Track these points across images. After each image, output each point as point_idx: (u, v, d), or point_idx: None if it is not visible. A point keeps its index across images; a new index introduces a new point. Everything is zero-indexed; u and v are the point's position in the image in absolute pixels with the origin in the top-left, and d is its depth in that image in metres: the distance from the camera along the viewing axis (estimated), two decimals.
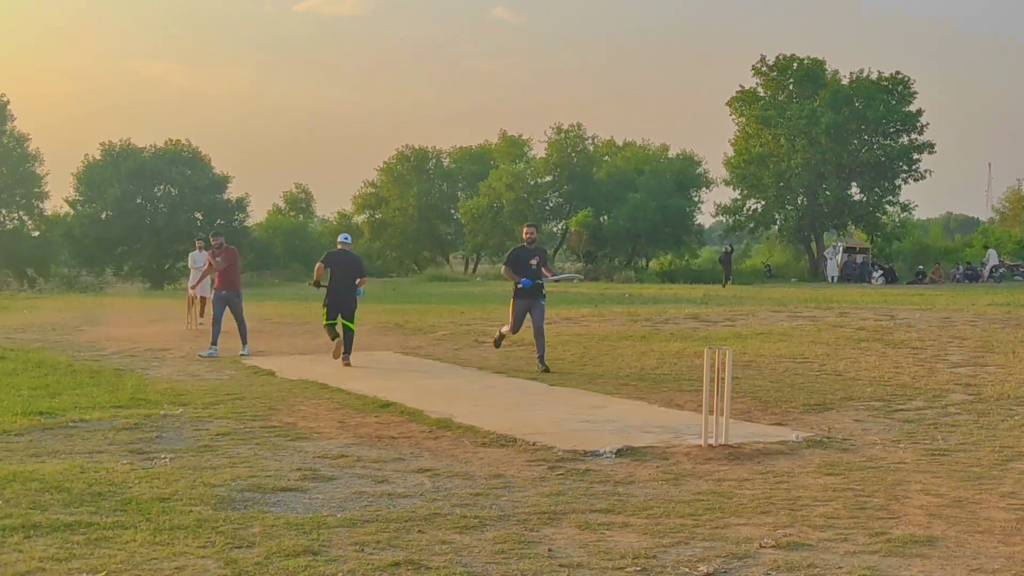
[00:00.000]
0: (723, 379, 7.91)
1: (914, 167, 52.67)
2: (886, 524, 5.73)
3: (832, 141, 50.75)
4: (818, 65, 52.94)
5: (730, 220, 55.34)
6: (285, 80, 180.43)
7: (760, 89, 54.09)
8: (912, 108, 52.09)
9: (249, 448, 8.01)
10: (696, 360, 12.87)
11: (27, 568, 4.89)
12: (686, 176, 58.86)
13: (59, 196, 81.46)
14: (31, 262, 56.51)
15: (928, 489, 6.59)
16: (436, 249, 69.78)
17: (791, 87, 53.67)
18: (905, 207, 54.58)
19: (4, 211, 57.24)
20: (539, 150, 63.30)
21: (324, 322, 14.24)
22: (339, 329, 14.02)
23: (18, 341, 17.35)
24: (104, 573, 4.84)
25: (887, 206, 54.09)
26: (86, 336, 18.54)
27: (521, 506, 6.16)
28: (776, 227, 55.97)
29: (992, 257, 46.25)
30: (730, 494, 6.48)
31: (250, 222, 62.39)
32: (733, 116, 54.83)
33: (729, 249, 41.68)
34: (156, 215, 58.38)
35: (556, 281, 14.30)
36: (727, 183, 55.51)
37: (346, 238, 14.90)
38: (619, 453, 7.73)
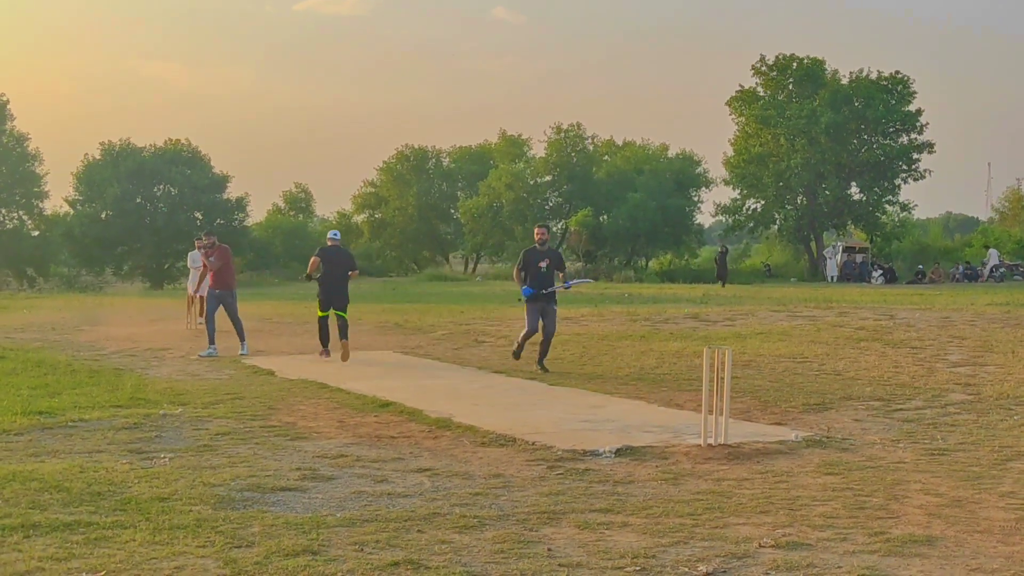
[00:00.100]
0: (722, 379, 7.91)
1: (914, 167, 52.66)
2: (885, 524, 5.73)
3: (832, 141, 50.74)
4: (818, 65, 52.93)
5: (730, 220, 55.32)
6: (285, 80, 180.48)
7: (760, 89, 54.08)
8: (912, 108, 52.09)
9: (248, 448, 8.01)
10: (695, 360, 12.87)
11: (26, 568, 4.89)
12: (686, 176, 58.84)
13: (59, 196, 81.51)
14: (31, 262, 56.48)
15: (927, 489, 6.60)
16: (436, 249, 69.77)
17: (791, 87, 53.66)
18: (905, 207, 54.59)
19: (4, 211, 57.20)
20: (539, 150, 63.33)
21: (319, 314, 14.88)
22: (332, 321, 14.68)
23: (18, 341, 17.35)
24: (103, 573, 4.84)
25: (887, 206, 54.08)
26: (86, 336, 18.54)
27: (520, 506, 6.16)
28: (776, 227, 55.95)
29: (993, 257, 46.24)
30: (729, 494, 6.48)
31: (250, 222, 62.39)
32: (733, 116, 54.84)
33: (724, 250, 41.63)
34: (156, 215, 58.35)
35: (569, 287, 13.87)
36: (727, 183, 55.52)
37: (335, 234, 15.41)
38: (618, 453, 7.73)
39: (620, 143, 63.69)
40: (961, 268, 46.02)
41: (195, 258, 21.50)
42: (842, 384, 11.48)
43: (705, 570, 4.91)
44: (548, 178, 60.74)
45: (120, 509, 5.99)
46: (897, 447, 8.08)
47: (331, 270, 14.77)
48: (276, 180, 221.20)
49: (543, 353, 13.13)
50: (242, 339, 15.49)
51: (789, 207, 54.22)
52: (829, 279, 47.00)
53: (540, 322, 13.13)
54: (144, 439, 8.34)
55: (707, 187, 59.84)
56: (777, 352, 14.19)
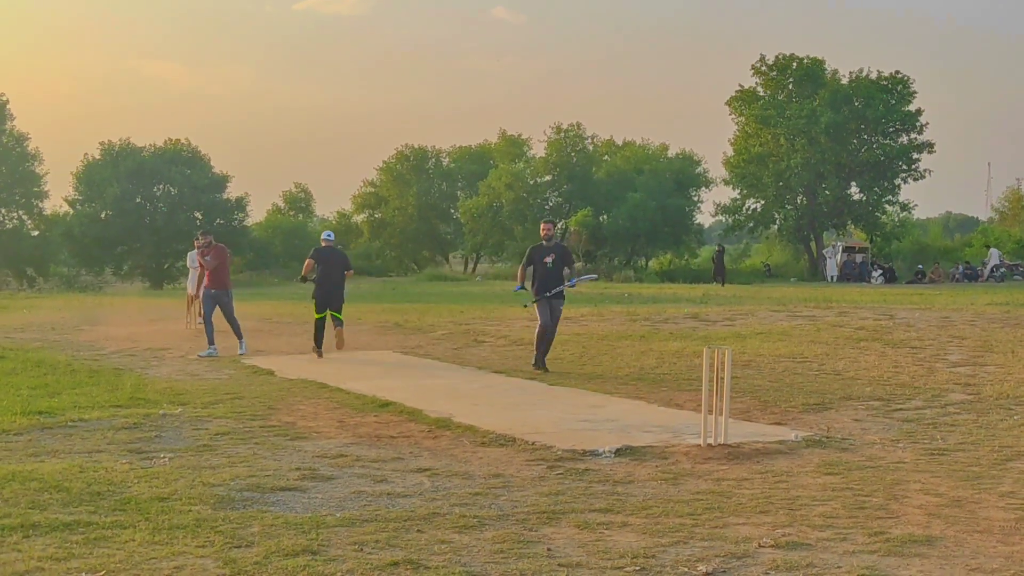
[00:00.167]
0: (722, 379, 7.91)
1: (913, 166, 52.64)
2: (885, 524, 5.73)
3: (831, 140, 50.73)
4: (817, 64, 52.91)
5: (729, 220, 55.32)
6: (285, 79, 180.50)
7: (759, 88, 54.05)
8: (911, 107, 52.08)
9: (248, 447, 8.01)
10: (695, 360, 12.87)
11: (26, 567, 4.89)
12: (685, 176, 58.82)
13: (58, 195, 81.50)
14: (30, 261, 56.45)
15: (927, 489, 6.60)
16: (435, 248, 69.75)
17: (790, 86, 53.64)
18: (904, 206, 54.57)
19: (3, 210, 57.16)
20: (538, 149, 63.29)
21: (315, 315, 14.94)
22: (330, 329, 14.82)
23: (17, 340, 17.35)
24: (103, 572, 4.84)
25: (886, 205, 54.06)
26: (85, 335, 18.54)
27: (520, 506, 6.16)
28: (775, 227, 55.93)
29: (994, 256, 46.23)
30: (729, 494, 6.48)
31: (249, 221, 62.36)
32: (732, 116, 54.81)
33: (721, 249, 41.58)
34: (155, 214, 58.33)
35: (574, 285, 13.65)
36: (726, 183, 55.49)
37: (329, 235, 15.59)
38: (618, 453, 7.73)
39: (620, 143, 63.69)
40: (961, 268, 46.00)
41: (194, 258, 21.48)
42: (842, 384, 11.48)
43: (705, 570, 4.91)
44: (548, 178, 60.72)
45: (120, 509, 5.99)
46: (897, 447, 8.08)
47: (327, 271, 14.90)
48: (276, 180, 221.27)
49: (544, 352, 13.08)
50: (240, 338, 15.49)
51: (789, 207, 54.20)
52: (829, 279, 46.99)
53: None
54: (144, 439, 8.34)
55: (707, 187, 59.82)
56: (777, 352, 14.19)
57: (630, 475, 7.04)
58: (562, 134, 60.51)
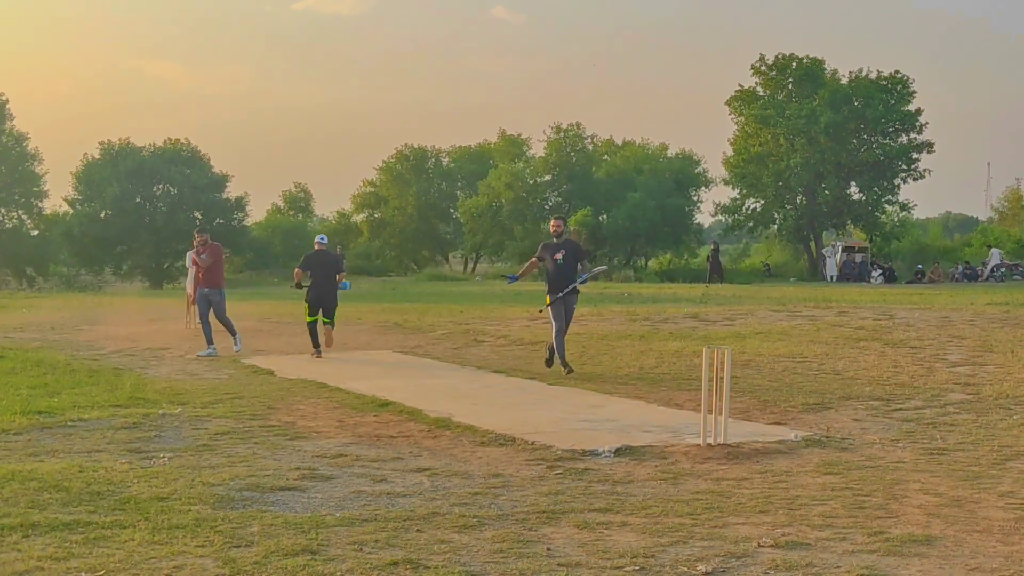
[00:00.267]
0: (722, 378, 7.91)
1: (913, 166, 52.63)
2: (884, 523, 5.73)
3: (831, 140, 50.73)
4: (817, 64, 52.91)
5: (729, 219, 55.32)
6: (284, 79, 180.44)
7: (759, 88, 54.04)
8: (911, 107, 52.08)
9: (248, 447, 8.01)
10: (695, 359, 12.87)
11: (26, 567, 4.89)
12: (685, 175, 58.82)
13: (58, 195, 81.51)
14: (30, 261, 56.45)
15: (927, 488, 6.60)
16: (435, 248, 69.75)
17: (790, 86, 53.64)
18: (904, 206, 54.54)
19: (3, 210, 57.17)
20: (538, 149, 63.29)
21: (307, 319, 15.08)
22: (320, 327, 14.98)
23: (17, 340, 17.34)
24: (103, 572, 4.84)
25: (886, 205, 54.05)
26: (85, 335, 18.53)
27: (520, 505, 6.16)
28: (775, 226, 55.92)
29: (995, 256, 46.23)
30: (729, 493, 6.48)
31: (249, 221, 62.37)
32: (732, 115, 54.79)
33: (716, 247, 41.52)
34: (155, 214, 58.32)
35: (584, 282, 13.33)
36: (726, 182, 55.47)
37: (323, 239, 15.75)
38: (618, 452, 7.73)
39: (619, 143, 63.69)
40: (960, 268, 46.00)
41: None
42: (841, 384, 11.48)
43: (704, 569, 4.91)
44: (547, 178, 60.71)
45: (119, 509, 5.99)
46: (896, 447, 8.08)
47: (319, 275, 15.08)
48: (275, 179, 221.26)
49: (552, 352, 12.92)
50: (233, 334, 15.47)
51: (788, 207, 54.20)
52: (828, 279, 46.98)
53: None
54: (143, 439, 8.34)
55: (707, 187, 59.83)
56: (776, 352, 14.19)
57: (630, 475, 7.04)
58: (562, 134, 60.52)
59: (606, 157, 62.12)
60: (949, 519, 5.82)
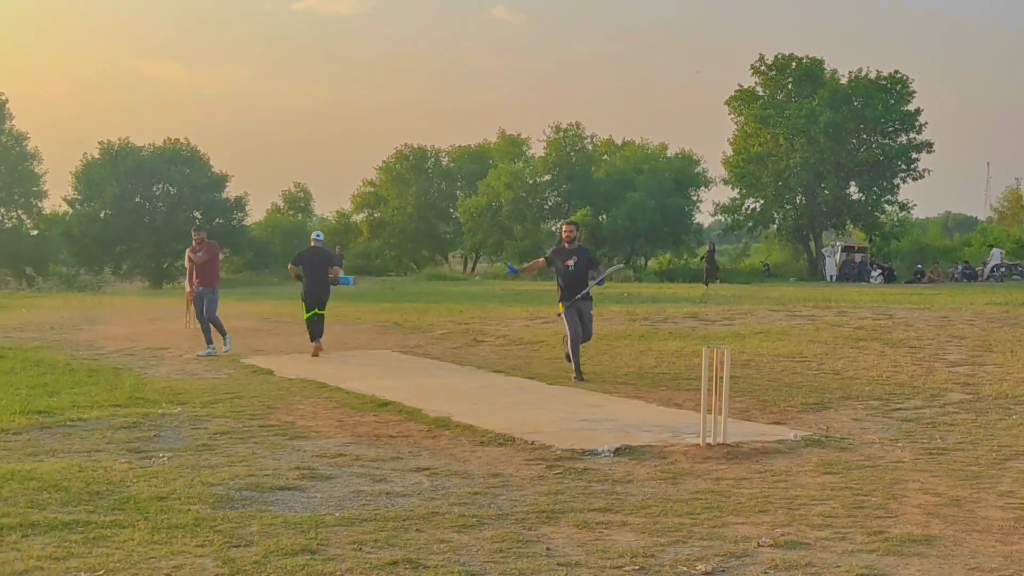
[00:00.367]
0: (721, 378, 7.91)
1: (912, 166, 52.67)
2: (884, 523, 5.74)
3: (831, 140, 50.75)
4: (817, 64, 52.94)
5: (728, 219, 55.34)
6: (284, 78, 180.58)
7: (759, 88, 54.07)
8: (911, 107, 52.11)
9: (247, 447, 8.01)
10: (694, 359, 12.87)
11: (25, 567, 4.89)
12: (685, 175, 58.85)
13: (58, 195, 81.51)
14: (30, 261, 56.46)
15: (926, 488, 6.60)
16: (435, 248, 69.75)
17: (790, 86, 53.67)
18: (904, 206, 54.58)
19: (3, 210, 57.20)
20: (538, 149, 63.33)
21: (305, 315, 15.21)
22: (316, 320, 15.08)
23: (17, 340, 17.34)
24: (102, 572, 4.84)
25: (886, 205, 54.09)
26: (85, 335, 18.53)
27: (519, 505, 6.16)
28: (775, 226, 55.95)
29: (995, 256, 46.26)
30: (728, 493, 6.48)
31: (249, 221, 62.37)
32: (732, 115, 54.84)
33: (712, 247, 41.55)
34: (155, 214, 58.32)
35: (600, 284, 13.02)
36: (726, 182, 55.51)
37: (318, 235, 16.04)
38: (617, 452, 7.73)
39: (619, 142, 63.73)
40: (960, 268, 46.01)
41: None
42: (841, 383, 11.48)
43: (704, 569, 4.91)
44: (547, 177, 60.73)
45: (118, 508, 5.98)
46: (896, 446, 8.09)
47: (312, 271, 15.22)
48: (275, 179, 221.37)
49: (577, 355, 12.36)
50: (223, 333, 15.40)
51: (788, 207, 54.22)
52: (828, 279, 46.99)
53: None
54: (143, 438, 8.34)
55: (706, 187, 59.89)
56: (776, 351, 14.19)
57: (629, 474, 7.04)
58: (561, 134, 60.54)
59: (606, 157, 62.15)
60: (948, 519, 5.83)
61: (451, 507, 6.09)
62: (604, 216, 57.34)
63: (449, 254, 71.23)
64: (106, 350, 15.84)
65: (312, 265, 15.27)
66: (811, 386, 11.29)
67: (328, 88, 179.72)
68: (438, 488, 6.62)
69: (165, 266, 58.74)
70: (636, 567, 4.94)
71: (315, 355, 14.63)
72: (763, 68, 53.54)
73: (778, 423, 9.16)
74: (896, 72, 52.29)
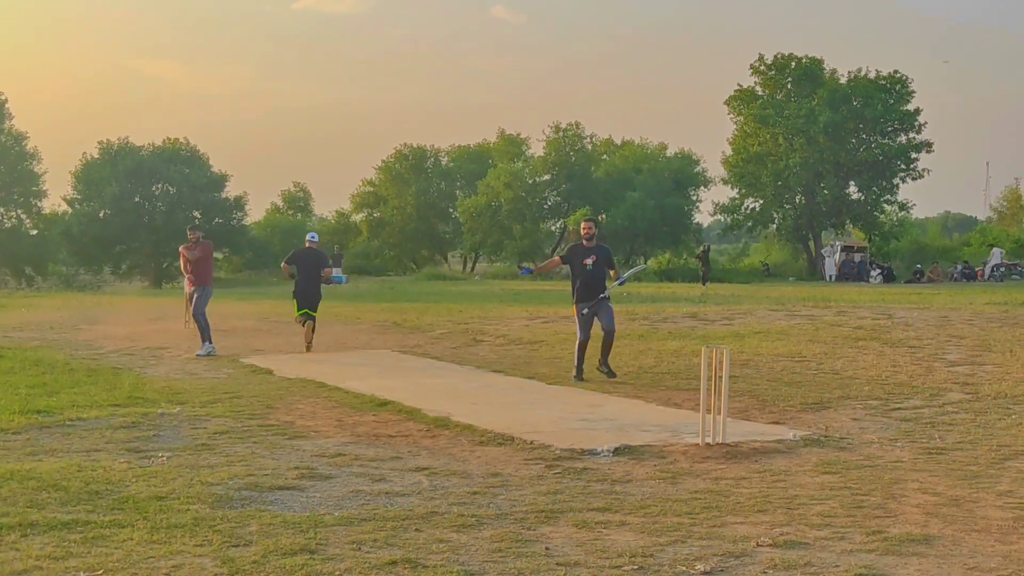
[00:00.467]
0: (721, 378, 7.91)
1: (912, 166, 52.73)
2: (883, 523, 5.74)
3: (830, 140, 50.80)
4: (816, 64, 53.00)
5: (728, 219, 55.38)
6: (284, 78, 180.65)
7: (758, 88, 54.13)
8: (910, 107, 52.15)
9: (246, 447, 8.01)
10: (694, 359, 12.87)
11: (24, 567, 4.89)
12: (684, 175, 58.91)
13: (57, 195, 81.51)
14: (29, 260, 56.49)
15: (925, 488, 6.60)
16: (434, 248, 69.77)
17: (789, 86, 53.73)
18: (903, 206, 54.65)
19: (2, 209, 57.25)
20: (537, 149, 63.40)
21: (296, 313, 15.56)
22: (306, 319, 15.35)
23: (16, 339, 17.34)
24: (101, 571, 4.84)
25: (885, 205, 54.16)
26: (84, 335, 18.53)
27: (519, 505, 6.16)
28: (774, 226, 56.01)
29: (996, 256, 46.28)
30: (727, 493, 6.48)
31: (248, 221, 62.37)
32: (731, 115, 54.91)
33: (707, 248, 41.64)
34: (154, 214, 58.34)
35: (622, 284, 12.77)
36: (725, 182, 55.59)
37: (313, 236, 16.30)
38: (616, 452, 7.73)
39: (619, 142, 63.82)
40: (959, 268, 46.03)
41: None
42: (840, 383, 11.48)
43: (703, 569, 4.91)
44: (547, 177, 60.79)
45: (118, 508, 5.98)
46: (895, 446, 8.09)
47: (305, 271, 15.49)
48: (275, 179, 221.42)
49: (605, 352, 12.12)
50: (204, 337, 15.04)
51: (787, 206, 54.27)
52: (827, 278, 47.02)
53: (595, 325, 12.11)
54: (142, 438, 8.34)
55: (706, 186, 59.98)
56: (775, 351, 14.19)
57: (628, 474, 7.04)
58: (561, 133, 60.59)
59: (605, 157, 62.19)
60: (947, 518, 5.83)
61: (450, 507, 6.09)
62: (604, 216, 57.37)
63: (448, 254, 71.27)
64: (105, 350, 15.83)
65: (306, 265, 15.53)
66: (810, 386, 11.30)
67: (328, 88, 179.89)
68: (437, 488, 6.62)
69: (164, 266, 58.73)
70: (635, 567, 4.95)
71: (307, 339, 15.08)
72: (763, 68, 53.60)
73: (777, 423, 9.16)
74: (895, 72, 52.37)
